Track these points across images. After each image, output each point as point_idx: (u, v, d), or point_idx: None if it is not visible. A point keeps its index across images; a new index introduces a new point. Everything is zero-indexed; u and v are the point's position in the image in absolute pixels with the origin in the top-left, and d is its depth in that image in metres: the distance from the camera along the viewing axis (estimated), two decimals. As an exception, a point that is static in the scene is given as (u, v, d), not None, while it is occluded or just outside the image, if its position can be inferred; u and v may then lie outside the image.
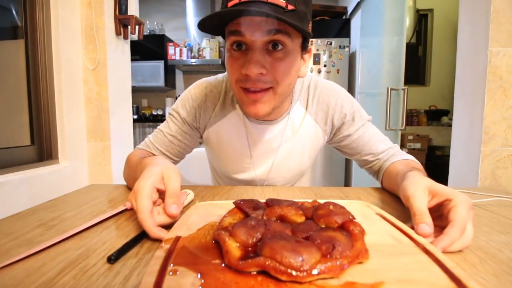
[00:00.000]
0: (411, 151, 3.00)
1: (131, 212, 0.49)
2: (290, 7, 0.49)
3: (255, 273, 0.28)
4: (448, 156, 1.27)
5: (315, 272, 0.27)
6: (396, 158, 0.69)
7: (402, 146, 2.99)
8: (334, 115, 0.72)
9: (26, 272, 0.31)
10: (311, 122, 0.73)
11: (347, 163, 2.74)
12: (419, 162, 0.68)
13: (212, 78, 0.75)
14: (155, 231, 0.38)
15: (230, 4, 0.51)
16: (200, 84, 0.73)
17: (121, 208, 0.49)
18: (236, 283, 0.27)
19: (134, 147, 0.80)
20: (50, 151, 1.10)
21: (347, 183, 2.79)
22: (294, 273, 0.26)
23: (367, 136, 0.72)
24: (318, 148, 0.78)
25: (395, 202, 0.58)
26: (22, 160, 0.96)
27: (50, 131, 1.09)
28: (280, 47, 0.54)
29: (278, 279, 0.27)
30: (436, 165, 2.94)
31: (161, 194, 0.43)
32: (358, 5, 2.53)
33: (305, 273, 0.26)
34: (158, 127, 0.75)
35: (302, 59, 0.60)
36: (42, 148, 1.07)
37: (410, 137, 3.04)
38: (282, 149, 0.74)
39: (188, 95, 0.73)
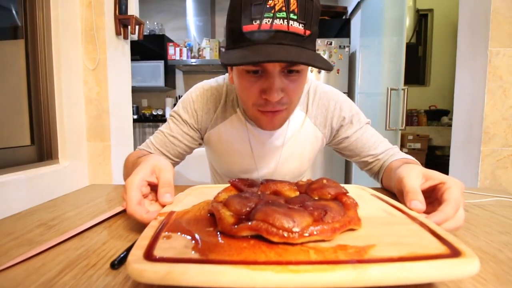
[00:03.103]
0: (411, 151, 3.00)
1: None
2: (307, 32, 0.49)
3: (248, 237, 0.28)
4: (448, 156, 1.27)
5: (306, 234, 0.27)
6: (396, 157, 0.69)
7: (402, 146, 2.99)
8: (333, 118, 0.73)
9: (26, 272, 0.30)
10: (310, 125, 0.74)
11: (347, 163, 2.74)
12: (418, 162, 0.68)
13: (212, 80, 0.75)
14: (148, 216, 0.36)
15: (246, 28, 0.48)
16: (201, 86, 0.74)
17: (120, 208, 0.49)
18: (229, 245, 0.27)
19: (134, 147, 0.80)
20: (50, 151, 1.09)
21: (347, 183, 2.78)
22: (286, 234, 0.26)
23: (366, 137, 0.73)
24: (317, 150, 0.79)
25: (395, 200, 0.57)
26: (22, 160, 0.96)
27: (50, 131, 1.09)
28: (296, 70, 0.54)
29: (270, 242, 0.27)
30: (436, 165, 2.90)
31: (154, 187, 0.43)
32: (358, 5, 2.53)
33: (296, 235, 0.26)
34: (159, 128, 0.75)
35: None
36: (42, 148, 1.07)
37: (410, 137, 3.04)
38: (283, 151, 0.74)
39: (190, 97, 0.73)
